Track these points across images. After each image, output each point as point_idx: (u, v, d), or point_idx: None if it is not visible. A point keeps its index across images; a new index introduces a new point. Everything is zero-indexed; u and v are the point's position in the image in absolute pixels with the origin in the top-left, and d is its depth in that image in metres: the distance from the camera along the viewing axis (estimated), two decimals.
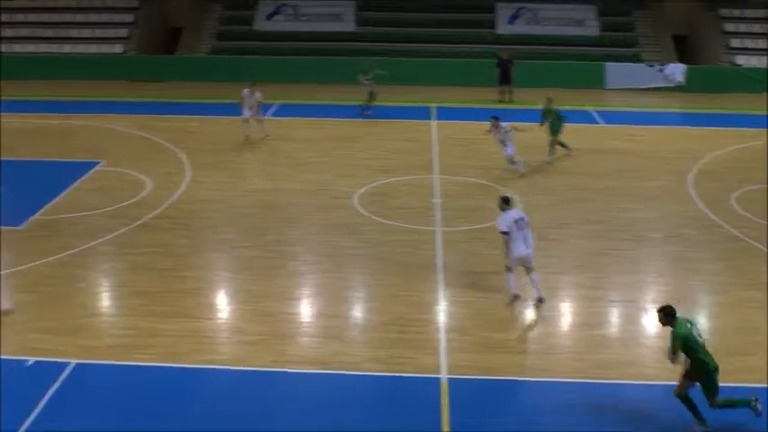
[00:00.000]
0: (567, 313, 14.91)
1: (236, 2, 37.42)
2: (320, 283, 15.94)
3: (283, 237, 17.96)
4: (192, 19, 36.73)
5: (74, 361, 12.84)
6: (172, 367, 12.79)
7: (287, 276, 16.12)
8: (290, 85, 32.70)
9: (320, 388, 12.29)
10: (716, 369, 10.64)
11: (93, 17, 36.55)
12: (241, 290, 15.66)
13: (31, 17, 36.60)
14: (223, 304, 15.38)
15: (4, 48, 35.37)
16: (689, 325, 10.67)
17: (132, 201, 19.96)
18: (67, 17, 36.59)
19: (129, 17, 36.53)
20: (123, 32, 35.98)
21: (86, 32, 35.99)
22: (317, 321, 14.50)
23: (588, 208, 19.85)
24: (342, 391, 12.19)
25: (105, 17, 36.60)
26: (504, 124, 21.66)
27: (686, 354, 10.63)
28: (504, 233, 14.25)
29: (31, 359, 12.93)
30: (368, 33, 36.98)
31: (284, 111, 29.28)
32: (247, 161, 23.50)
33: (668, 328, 10.75)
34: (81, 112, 28.49)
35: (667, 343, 10.78)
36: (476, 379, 12.39)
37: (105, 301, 15.53)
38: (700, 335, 10.75)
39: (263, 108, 25.54)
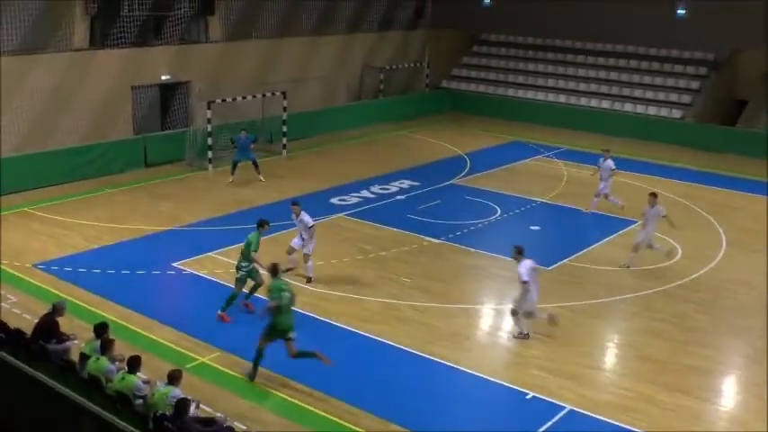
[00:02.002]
0: None
1: None
2: None
3: None
4: (758, 92, 35.25)
5: (569, 406, 13.24)
6: None
7: None
8: None
9: None
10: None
11: (659, 80, 37.13)
12: (752, 383, 14.60)
13: (601, 74, 38.49)
14: (730, 391, 14.52)
15: (571, 99, 37.79)
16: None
17: (660, 266, 19.84)
18: (635, 78, 37.73)
19: (695, 84, 36.31)
20: (686, 99, 35.85)
21: (650, 94, 36.66)
22: None
23: None
24: None
25: (671, 82, 36.89)
26: None
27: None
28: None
29: (531, 393, 13.65)
30: None
31: None
32: None
33: None
34: (627, 170, 29.03)
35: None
36: None
37: (611, 356, 15.71)
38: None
39: None
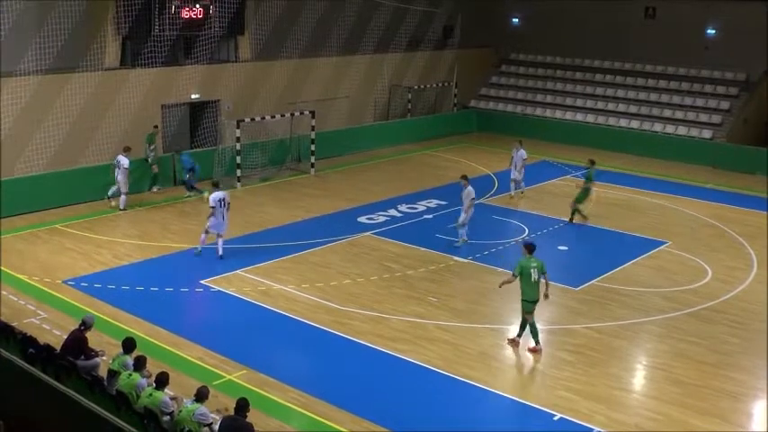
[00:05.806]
0: None
1: None
2: None
3: None
4: None
5: (597, 428, 13.10)
6: None
7: None
8: None
9: None
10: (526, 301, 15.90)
11: (689, 101, 36.90)
12: None
13: (630, 94, 38.35)
14: (762, 416, 14.28)
15: (600, 119, 37.68)
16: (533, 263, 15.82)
17: (689, 287, 19.65)
18: (665, 98, 37.53)
19: (725, 104, 36.08)
20: (716, 119, 35.62)
21: (680, 114, 36.44)
22: None
23: None
24: None
25: (701, 102, 36.66)
26: None
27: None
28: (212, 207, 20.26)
29: (559, 415, 13.52)
30: None
31: None
32: None
33: None
34: (656, 191, 28.90)
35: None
36: None
37: (640, 378, 15.51)
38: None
39: None
